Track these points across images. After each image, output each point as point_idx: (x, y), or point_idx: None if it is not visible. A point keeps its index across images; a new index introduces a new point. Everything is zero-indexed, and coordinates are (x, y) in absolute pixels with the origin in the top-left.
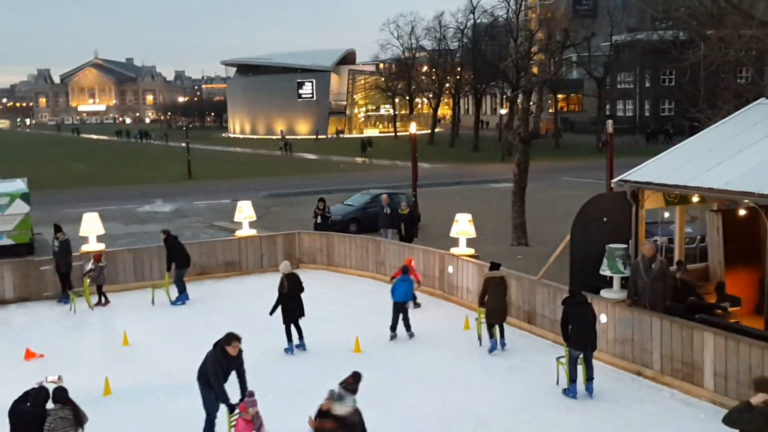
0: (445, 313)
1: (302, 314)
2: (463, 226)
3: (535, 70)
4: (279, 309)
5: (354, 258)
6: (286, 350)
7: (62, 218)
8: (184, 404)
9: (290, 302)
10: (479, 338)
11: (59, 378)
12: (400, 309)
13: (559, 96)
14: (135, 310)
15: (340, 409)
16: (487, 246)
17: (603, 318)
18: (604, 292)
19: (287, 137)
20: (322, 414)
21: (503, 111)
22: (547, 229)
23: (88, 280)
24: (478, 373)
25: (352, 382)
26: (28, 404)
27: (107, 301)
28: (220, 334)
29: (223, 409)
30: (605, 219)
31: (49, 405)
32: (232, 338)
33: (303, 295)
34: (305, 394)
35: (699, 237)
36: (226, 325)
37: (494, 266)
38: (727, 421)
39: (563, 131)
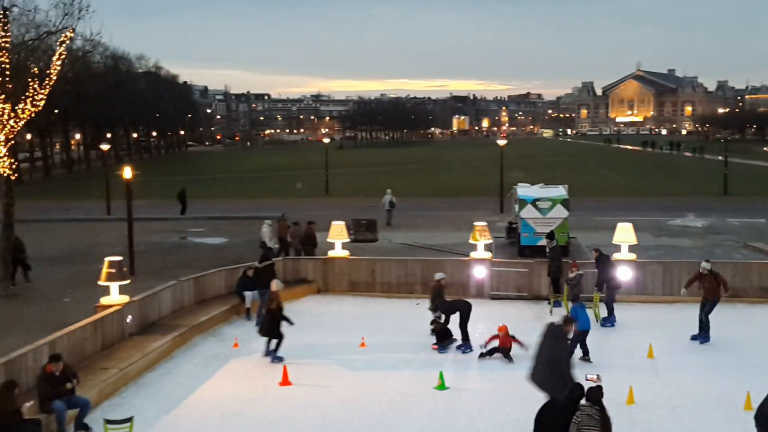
0: None
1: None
2: None
3: None
4: None
5: None
6: None
7: (593, 225)
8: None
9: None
10: None
11: (598, 377)
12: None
13: None
14: (660, 324)
15: None
16: None
17: None
18: None
19: None
20: None
21: None
22: None
23: (567, 288)
24: None
25: None
26: (566, 397)
27: None
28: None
29: None
30: None
31: (583, 401)
32: None
33: None
34: None
35: None
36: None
37: None
38: None
39: None
